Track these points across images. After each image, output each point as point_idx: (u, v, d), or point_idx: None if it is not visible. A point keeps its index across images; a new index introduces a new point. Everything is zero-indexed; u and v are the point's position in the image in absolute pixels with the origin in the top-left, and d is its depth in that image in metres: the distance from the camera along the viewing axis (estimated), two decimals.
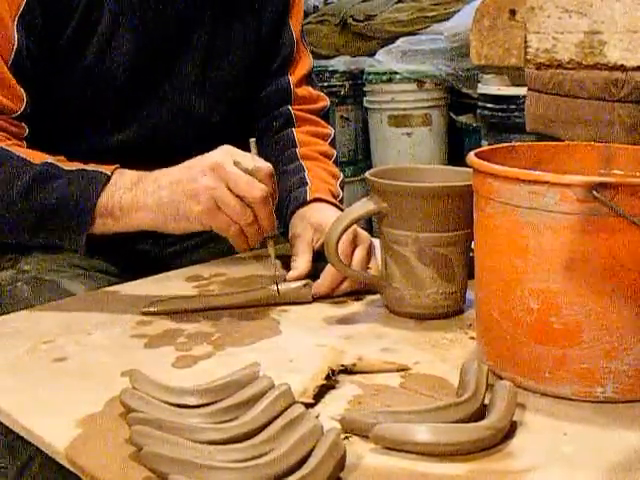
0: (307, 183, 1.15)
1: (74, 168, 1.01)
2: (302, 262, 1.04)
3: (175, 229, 0.99)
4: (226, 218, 0.95)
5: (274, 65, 1.28)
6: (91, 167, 1.01)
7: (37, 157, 1.03)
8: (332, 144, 1.30)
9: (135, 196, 0.98)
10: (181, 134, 1.19)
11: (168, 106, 1.18)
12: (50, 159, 1.02)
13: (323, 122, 1.32)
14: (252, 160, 0.96)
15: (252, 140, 1.00)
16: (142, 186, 0.98)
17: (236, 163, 0.95)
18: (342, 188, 1.22)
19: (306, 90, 1.31)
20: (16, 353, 0.88)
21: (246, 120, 1.30)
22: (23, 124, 1.07)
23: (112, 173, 1.00)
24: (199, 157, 0.98)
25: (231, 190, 0.94)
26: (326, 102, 1.34)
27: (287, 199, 1.15)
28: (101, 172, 1.00)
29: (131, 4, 1.10)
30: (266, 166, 0.97)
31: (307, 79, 1.31)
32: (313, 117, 1.31)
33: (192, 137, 1.19)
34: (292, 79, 1.29)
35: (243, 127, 1.30)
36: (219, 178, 0.94)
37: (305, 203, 1.12)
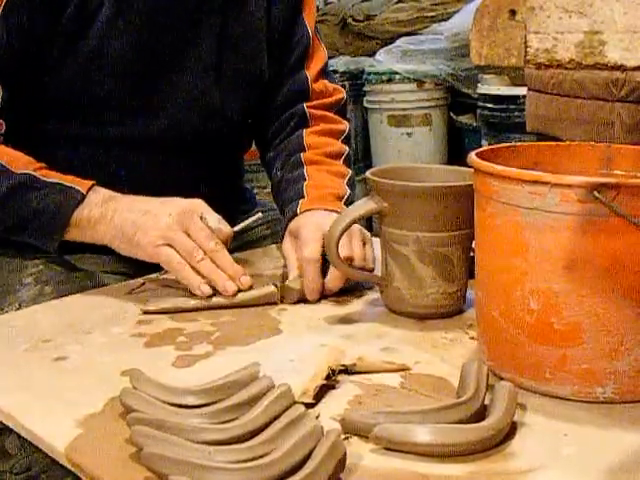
0: (303, 196, 1.15)
1: (53, 181, 1.04)
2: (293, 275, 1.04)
3: (127, 252, 1.03)
4: (173, 256, 0.99)
5: (290, 61, 1.28)
6: (69, 182, 1.04)
7: (18, 164, 1.04)
8: (345, 140, 1.30)
9: (103, 212, 1.03)
10: (194, 127, 1.18)
11: (180, 97, 1.16)
12: (30, 169, 1.04)
13: (338, 118, 1.31)
14: (218, 222, 1.02)
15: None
16: (112, 205, 1.03)
17: (202, 218, 1.01)
18: (352, 185, 1.21)
19: (322, 84, 1.30)
20: (16, 352, 0.88)
21: (258, 120, 1.30)
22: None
23: (87, 191, 1.04)
24: (176, 198, 1.03)
25: (189, 236, 1.00)
26: (342, 95, 1.33)
27: (283, 213, 1.17)
28: (78, 190, 1.03)
29: None
30: (228, 230, 1.03)
31: (323, 72, 1.31)
32: (328, 114, 1.30)
33: (205, 131, 1.18)
34: (309, 74, 1.29)
35: (255, 126, 1.31)
36: (181, 223, 1.00)
37: (295, 216, 1.12)
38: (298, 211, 1.12)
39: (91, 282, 1.10)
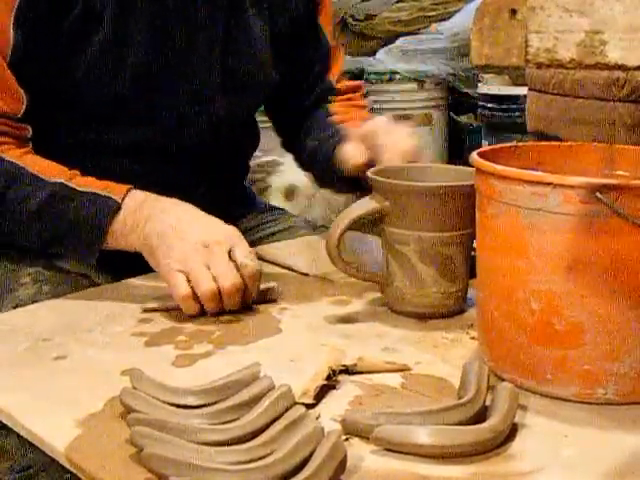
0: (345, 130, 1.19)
1: (87, 190, 1.02)
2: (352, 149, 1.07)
3: (149, 261, 1.00)
4: (181, 287, 0.94)
5: (315, 69, 1.31)
6: (103, 190, 1.02)
7: (51, 173, 1.03)
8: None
9: (136, 220, 1.00)
10: (199, 133, 1.17)
11: (186, 103, 1.15)
12: (63, 178, 1.02)
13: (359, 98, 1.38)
14: (245, 256, 0.96)
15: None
16: (146, 211, 1.00)
17: (231, 250, 0.96)
18: None
19: (344, 84, 1.36)
20: (15, 351, 0.88)
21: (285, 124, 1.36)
22: (25, 125, 1.07)
23: (123, 198, 1.01)
24: (211, 219, 1.00)
25: (209, 268, 0.94)
26: (360, 84, 1.41)
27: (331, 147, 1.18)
28: (113, 199, 1.01)
29: None
30: (253, 266, 0.96)
31: (342, 75, 1.36)
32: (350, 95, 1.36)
33: (211, 136, 1.18)
34: (332, 79, 1.33)
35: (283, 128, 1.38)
36: (204, 254, 0.95)
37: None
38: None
39: (88, 282, 1.09)
